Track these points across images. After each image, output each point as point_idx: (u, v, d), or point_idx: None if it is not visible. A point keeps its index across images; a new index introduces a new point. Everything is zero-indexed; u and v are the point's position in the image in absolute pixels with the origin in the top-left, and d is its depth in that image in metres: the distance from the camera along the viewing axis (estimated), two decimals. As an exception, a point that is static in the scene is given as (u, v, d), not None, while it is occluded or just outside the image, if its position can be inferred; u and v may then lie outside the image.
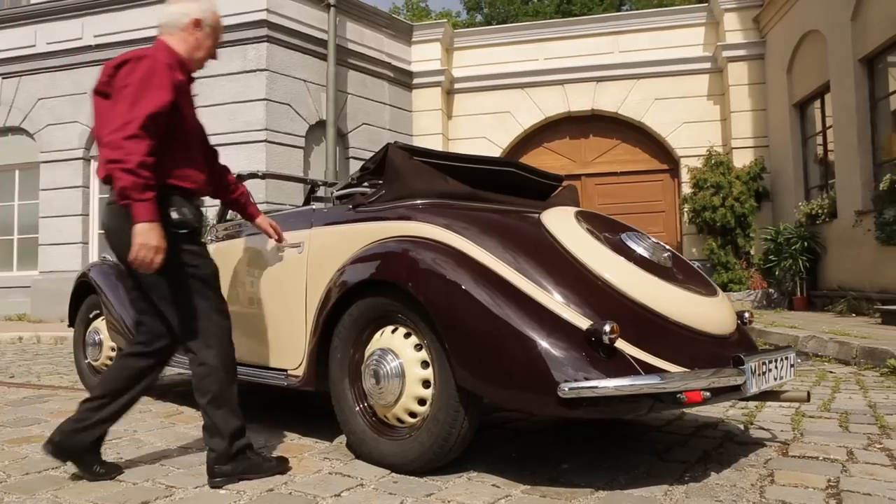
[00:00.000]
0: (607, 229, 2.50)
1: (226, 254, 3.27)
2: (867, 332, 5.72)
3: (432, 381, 2.21)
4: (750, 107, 10.96)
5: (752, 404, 3.40)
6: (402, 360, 2.27)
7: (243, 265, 3.20)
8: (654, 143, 11.96)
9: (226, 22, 10.57)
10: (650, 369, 1.96)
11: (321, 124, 10.32)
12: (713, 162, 10.79)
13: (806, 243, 9.02)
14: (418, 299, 2.16)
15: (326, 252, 2.63)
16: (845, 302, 7.84)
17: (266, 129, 9.57)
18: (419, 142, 12.29)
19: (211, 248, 2.87)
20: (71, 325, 4.33)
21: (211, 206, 5.01)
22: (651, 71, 11.62)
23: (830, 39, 8.74)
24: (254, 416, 2.95)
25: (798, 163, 10.05)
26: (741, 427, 2.96)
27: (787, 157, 10.22)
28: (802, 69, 9.75)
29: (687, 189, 11.15)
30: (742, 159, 10.85)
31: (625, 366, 1.94)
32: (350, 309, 2.43)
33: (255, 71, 9.73)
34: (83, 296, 4.22)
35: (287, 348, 2.80)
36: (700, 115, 11.44)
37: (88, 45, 10.57)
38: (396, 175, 2.54)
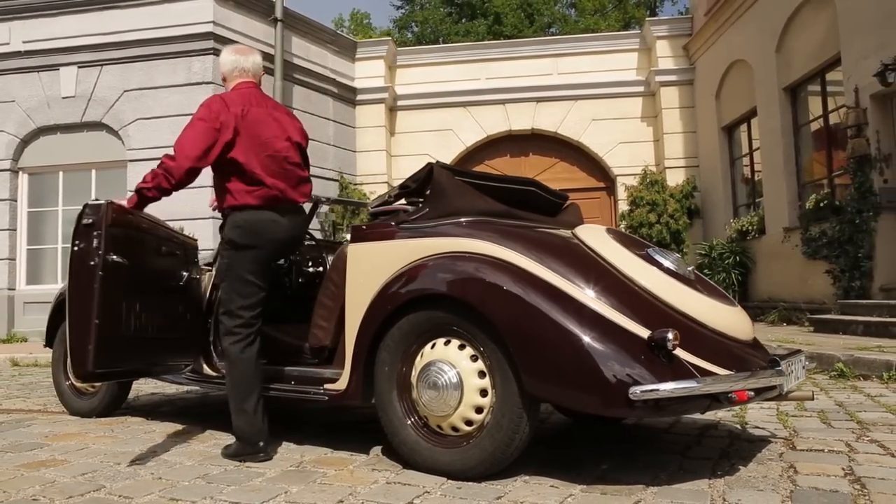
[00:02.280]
0: (633, 245, 2.68)
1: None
2: (807, 339, 6.21)
3: (490, 390, 2.32)
4: (681, 129, 11.66)
5: (737, 406, 3.68)
6: (459, 370, 2.36)
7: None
8: (592, 162, 12.49)
9: (171, 33, 10.29)
10: (703, 372, 2.14)
11: (267, 139, 10.20)
12: (648, 181, 11.38)
13: (737, 258, 9.66)
14: (482, 312, 2.26)
15: (368, 267, 2.68)
16: (777, 312, 8.45)
17: (213, 143, 9.39)
18: (363, 157, 12.34)
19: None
20: (48, 345, 4.15)
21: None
22: (589, 93, 12.16)
23: (757, 69, 9.46)
24: (272, 435, 2.92)
25: (727, 182, 10.77)
26: (739, 427, 3.21)
27: (717, 176, 10.92)
28: (730, 95, 10.48)
29: (624, 206, 11.69)
30: (675, 178, 11.50)
31: (683, 370, 2.11)
32: (399, 322, 2.50)
33: (200, 83, 9.54)
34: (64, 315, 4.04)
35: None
36: (635, 136, 12.05)
37: (17, 50, 10.05)
38: (442, 193, 2.63)
